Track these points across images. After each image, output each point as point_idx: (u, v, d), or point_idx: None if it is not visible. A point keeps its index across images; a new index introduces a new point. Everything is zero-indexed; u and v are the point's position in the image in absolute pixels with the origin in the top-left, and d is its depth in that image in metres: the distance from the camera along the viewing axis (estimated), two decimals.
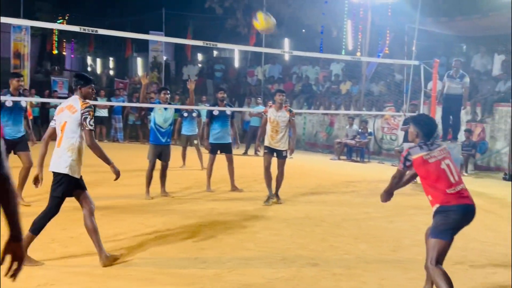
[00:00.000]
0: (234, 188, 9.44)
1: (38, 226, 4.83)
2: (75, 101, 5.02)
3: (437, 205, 4.24)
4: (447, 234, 4.11)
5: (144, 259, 5.16)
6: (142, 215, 7.12)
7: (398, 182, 4.55)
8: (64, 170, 4.86)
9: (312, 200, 8.82)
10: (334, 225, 7.00)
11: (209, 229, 6.49)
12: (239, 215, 7.37)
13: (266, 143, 8.47)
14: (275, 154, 8.42)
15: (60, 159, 4.91)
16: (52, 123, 5.21)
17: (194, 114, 12.35)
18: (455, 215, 4.12)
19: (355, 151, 15.91)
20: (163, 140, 8.48)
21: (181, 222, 6.82)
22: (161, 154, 8.49)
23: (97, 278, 4.61)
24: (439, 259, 4.11)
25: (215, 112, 9.32)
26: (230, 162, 9.39)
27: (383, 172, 13.23)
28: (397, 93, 15.69)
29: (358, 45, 19.14)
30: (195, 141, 12.37)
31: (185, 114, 12.07)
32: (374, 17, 17.73)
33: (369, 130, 16.04)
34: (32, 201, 7.41)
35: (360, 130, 15.77)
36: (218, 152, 9.35)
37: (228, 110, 9.48)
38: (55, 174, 4.91)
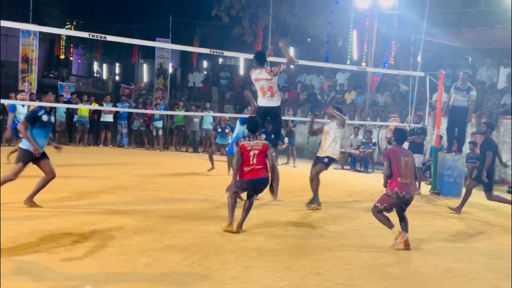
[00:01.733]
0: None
1: None
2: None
3: (238, 179, 6.77)
4: (239, 190, 6.85)
5: (147, 265, 5.18)
6: (146, 220, 7.13)
7: (237, 161, 6.76)
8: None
9: (316, 209, 8.82)
10: (338, 234, 7.00)
11: (212, 236, 6.50)
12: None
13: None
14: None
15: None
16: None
17: (227, 131, 13.89)
18: (246, 185, 6.79)
19: (359, 161, 15.92)
20: None
21: (184, 227, 6.84)
22: None
23: (100, 284, 4.63)
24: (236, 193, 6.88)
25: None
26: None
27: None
28: (402, 104, 15.72)
29: (363, 55, 19.20)
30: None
31: (219, 129, 13.93)
32: (380, 27, 17.79)
33: (374, 140, 16.05)
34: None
35: (364, 140, 15.78)
36: None
37: None
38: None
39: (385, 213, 6.57)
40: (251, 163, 6.72)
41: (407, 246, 6.30)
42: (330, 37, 22.20)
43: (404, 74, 14.94)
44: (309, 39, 26.43)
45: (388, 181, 6.56)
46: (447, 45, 17.03)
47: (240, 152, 6.75)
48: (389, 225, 6.49)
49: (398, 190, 6.40)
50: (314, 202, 8.80)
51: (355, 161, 15.87)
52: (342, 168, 15.64)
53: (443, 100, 12.07)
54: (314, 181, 8.91)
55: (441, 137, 12.25)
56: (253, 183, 6.78)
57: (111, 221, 7.01)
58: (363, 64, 18.35)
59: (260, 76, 8.42)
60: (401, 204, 6.53)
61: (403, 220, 6.58)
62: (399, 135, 6.92)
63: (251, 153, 6.73)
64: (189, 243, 6.10)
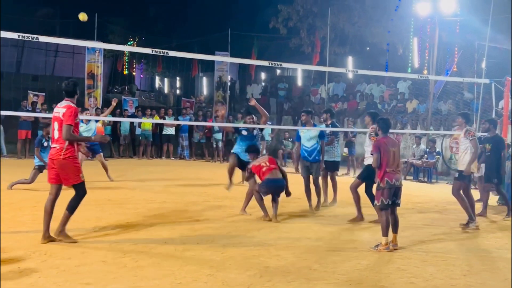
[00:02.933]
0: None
1: None
2: None
3: None
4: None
5: (210, 276, 5.25)
6: (208, 230, 7.24)
7: None
8: None
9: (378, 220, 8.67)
10: (401, 246, 6.86)
11: (273, 247, 6.52)
12: (303, 235, 7.37)
13: None
14: None
15: None
16: None
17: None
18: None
19: (422, 171, 15.54)
20: (310, 158, 9.21)
21: (246, 240, 6.89)
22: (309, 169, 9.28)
23: None
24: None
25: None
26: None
27: (450, 193, 12.83)
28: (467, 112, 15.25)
29: (425, 62, 18.81)
30: None
31: (244, 132, 10.61)
32: (441, 34, 17.39)
33: (437, 149, 15.64)
34: None
35: (427, 149, 15.40)
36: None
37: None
38: None
39: (386, 219, 6.74)
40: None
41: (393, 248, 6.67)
42: (390, 45, 21.88)
43: (468, 81, 14.52)
44: (368, 48, 26.17)
45: (378, 172, 6.84)
46: None
47: None
48: (385, 233, 6.70)
49: (388, 179, 6.71)
50: (470, 221, 8.19)
51: (418, 171, 15.51)
52: (405, 178, 15.31)
53: (509, 107, 11.64)
54: (458, 199, 8.45)
55: (508, 146, 11.79)
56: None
57: (175, 232, 7.16)
58: (425, 72, 17.98)
59: None
60: (393, 194, 6.74)
61: (395, 220, 6.83)
62: (384, 124, 7.07)
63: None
64: (250, 254, 6.14)
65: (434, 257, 6.35)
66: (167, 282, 5.01)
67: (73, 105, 6.28)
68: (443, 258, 6.34)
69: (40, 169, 10.55)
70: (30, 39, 6.79)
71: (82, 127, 12.31)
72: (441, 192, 12.97)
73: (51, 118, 6.40)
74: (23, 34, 6.87)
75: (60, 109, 6.22)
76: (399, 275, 5.55)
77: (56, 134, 6.22)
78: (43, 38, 7.25)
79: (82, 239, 6.53)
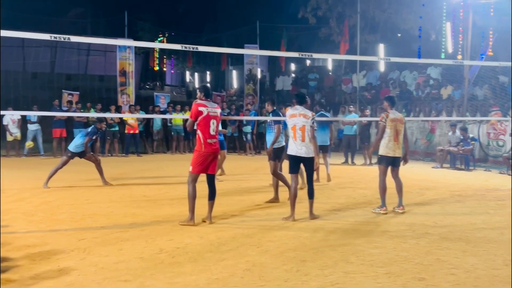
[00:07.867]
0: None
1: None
2: (305, 110, 7.74)
3: None
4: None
5: (247, 271, 5.24)
6: (243, 225, 7.23)
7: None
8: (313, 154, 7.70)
9: (415, 211, 8.54)
10: (440, 237, 6.72)
11: (309, 241, 6.47)
12: (338, 227, 7.30)
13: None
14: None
15: (310, 148, 7.63)
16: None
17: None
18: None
19: (459, 158, 15.22)
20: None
21: (281, 233, 6.86)
22: None
23: None
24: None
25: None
26: None
27: (489, 180, 12.57)
28: (503, 96, 14.87)
29: (459, 47, 18.38)
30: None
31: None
32: (475, 17, 16.95)
33: (471, 135, 15.25)
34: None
35: (462, 137, 15.07)
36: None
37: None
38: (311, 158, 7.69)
39: None
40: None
41: None
42: (422, 31, 21.44)
43: (504, 65, 14.13)
44: (399, 35, 25.74)
45: None
46: None
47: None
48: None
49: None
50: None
51: (455, 158, 15.19)
52: (441, 166, 15.03)
53: None
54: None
55: None
56: None
57: (210, 228, 7.18)
58: (459, 57, 17.57)
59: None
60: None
61: None
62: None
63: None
64: (286, 248, 6.11)
65: (474, 248, 6.20)
66: (204, 277, 5.02)
67: None
68: (484, 248, 6.18)
69: (72, 156, 10.64)
70: (62, 39, 6.86)
71: None
72: (478, 179, 12.69)
73: (83, 117, 6.47)
74: (55, 35, 6.94)
75: (216, 109, 7.38)
76: (440, 267, 5.43)
77: (214, 131, 7.37)
78: (74, 39, 7.33)
79: (119, 235, 6.61)
